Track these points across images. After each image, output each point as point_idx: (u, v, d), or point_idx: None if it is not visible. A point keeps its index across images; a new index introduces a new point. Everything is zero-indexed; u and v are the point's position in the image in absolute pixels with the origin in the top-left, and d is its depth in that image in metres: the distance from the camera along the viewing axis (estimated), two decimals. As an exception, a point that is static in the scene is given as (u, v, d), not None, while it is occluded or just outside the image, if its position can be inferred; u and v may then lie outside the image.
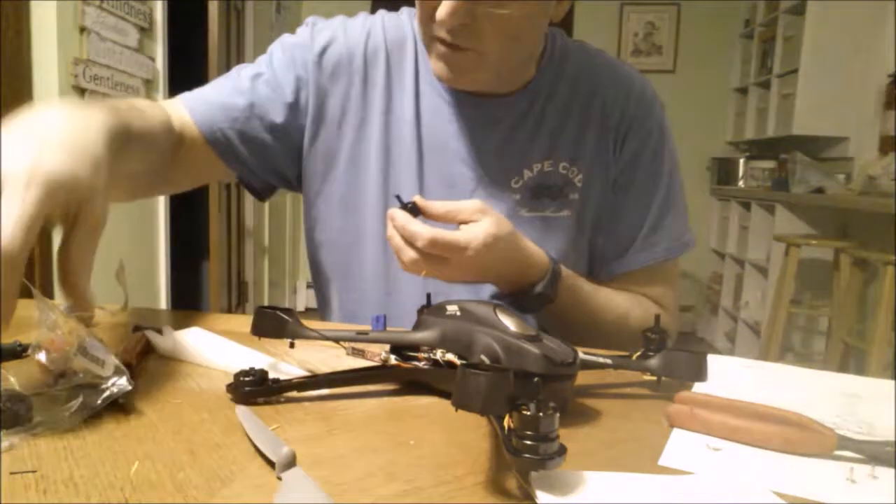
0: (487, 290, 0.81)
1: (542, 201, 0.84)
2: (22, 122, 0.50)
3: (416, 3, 0.74)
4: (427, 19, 0.73)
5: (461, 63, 0.74)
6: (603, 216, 0.86)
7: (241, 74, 0.85)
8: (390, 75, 0.85)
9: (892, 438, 0.53)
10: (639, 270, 0.86)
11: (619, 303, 0.84)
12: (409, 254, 0.66)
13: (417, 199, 0.68)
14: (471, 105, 0.84)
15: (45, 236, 0.50)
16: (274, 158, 0.87)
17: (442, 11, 0.68)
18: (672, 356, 0.63)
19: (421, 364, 0.60)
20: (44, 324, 0.51)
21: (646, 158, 0.85)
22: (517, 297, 0.75)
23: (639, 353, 0.64)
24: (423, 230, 0.64)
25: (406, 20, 0.88)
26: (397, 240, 0.66)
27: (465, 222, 0.67)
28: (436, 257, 0.66)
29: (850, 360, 2.81)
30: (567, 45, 0.88)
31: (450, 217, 0.68)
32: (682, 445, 0.51)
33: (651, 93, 0.87)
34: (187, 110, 0.82)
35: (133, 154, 0.64)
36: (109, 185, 0.52)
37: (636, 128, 0.84)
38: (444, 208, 0.68)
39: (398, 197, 0.69)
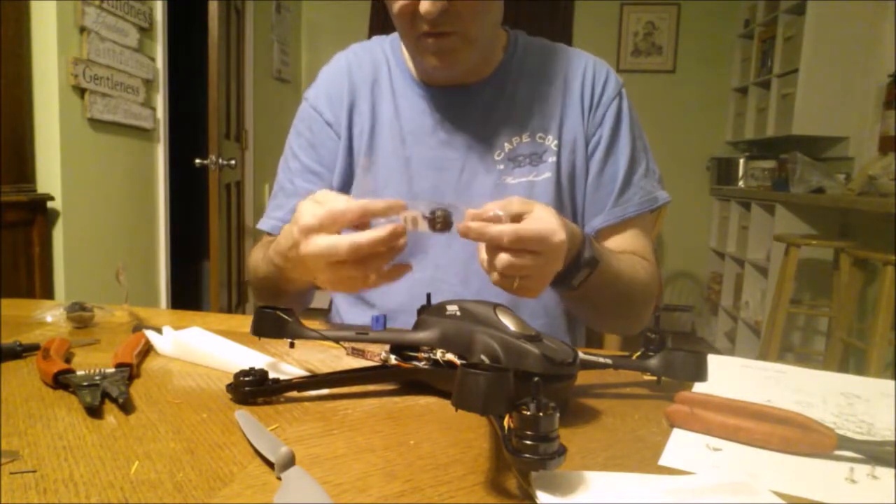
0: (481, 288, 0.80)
1: (525, 168, 0.93)
2: None
3: (397, 16, 0.82)
4: (409, 20, 0.82)
5: (449, 46, 0.83)
6: (580, 175, 0.94)
7: (283, 187, 0.99)
8: (373, 92, 0.96)
9: (892, 438, 0.53)
10: (618, 225, 0.93)
11: (624, 258, 0.85)
12: (503, 258, 0.59)
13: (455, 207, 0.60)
14: (446, 96, 0.93)
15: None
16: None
17: (424, 5, 0.78)
18: (672, 356, 0.63)
19: (421, 364, 0.60)
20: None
21: (609, 125, 0.94)
22: (567, 271, 0.71)
23: (639, 354, 0.64)
24: (505, 228, 0.58)
25: (375, 44, 1.00)
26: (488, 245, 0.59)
27: (520, 215, 0.61)
28: (524, 254, 0.59)
29: (850, 360, 2.81)
30: (528, 39, 1.00)
31: (504, 207, 0.60)
32: (682, 445, 0.51)
33: (610, 70, 0.98)
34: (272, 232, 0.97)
35: None
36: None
37: (600, 99, 0.95)
38: (493, 205, 0.60)
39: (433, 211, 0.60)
